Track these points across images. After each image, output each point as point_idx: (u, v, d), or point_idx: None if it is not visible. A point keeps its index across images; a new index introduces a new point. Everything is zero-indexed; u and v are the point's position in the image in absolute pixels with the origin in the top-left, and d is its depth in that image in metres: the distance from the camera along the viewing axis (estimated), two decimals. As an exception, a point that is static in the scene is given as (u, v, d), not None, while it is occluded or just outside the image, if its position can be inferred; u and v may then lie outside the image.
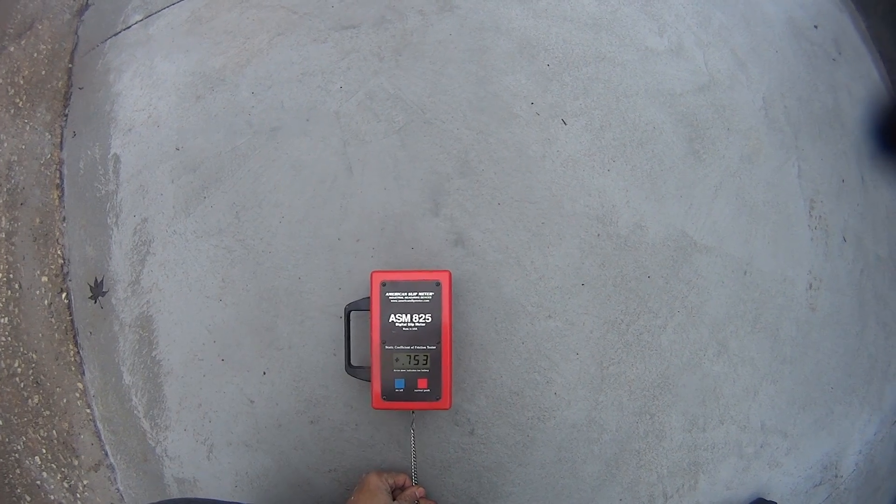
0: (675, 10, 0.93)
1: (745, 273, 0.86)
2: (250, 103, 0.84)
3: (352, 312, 0.67)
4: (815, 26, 1.19)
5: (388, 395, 0.64)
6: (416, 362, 0.64)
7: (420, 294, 0.64)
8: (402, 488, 0.66)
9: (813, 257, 0.98)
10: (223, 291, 0.76)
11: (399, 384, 0.64)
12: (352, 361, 0.68)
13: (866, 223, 1.12)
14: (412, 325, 0.64)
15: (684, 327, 0.80)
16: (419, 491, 0.66)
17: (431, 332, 0.64)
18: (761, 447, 0.95)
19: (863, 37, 1.34)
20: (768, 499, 0.96)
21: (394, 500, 0.63)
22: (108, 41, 0.95)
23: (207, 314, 0.76)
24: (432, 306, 0.64)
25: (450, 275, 0.64)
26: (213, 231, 0.79)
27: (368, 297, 0.66)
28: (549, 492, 0.77)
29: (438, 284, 0.63)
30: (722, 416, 0.88)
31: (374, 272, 0.64)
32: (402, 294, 0.64)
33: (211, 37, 0.89)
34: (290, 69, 0.84)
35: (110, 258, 0.84)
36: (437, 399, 0.64)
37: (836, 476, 1.14)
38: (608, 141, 0.76)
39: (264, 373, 0.73)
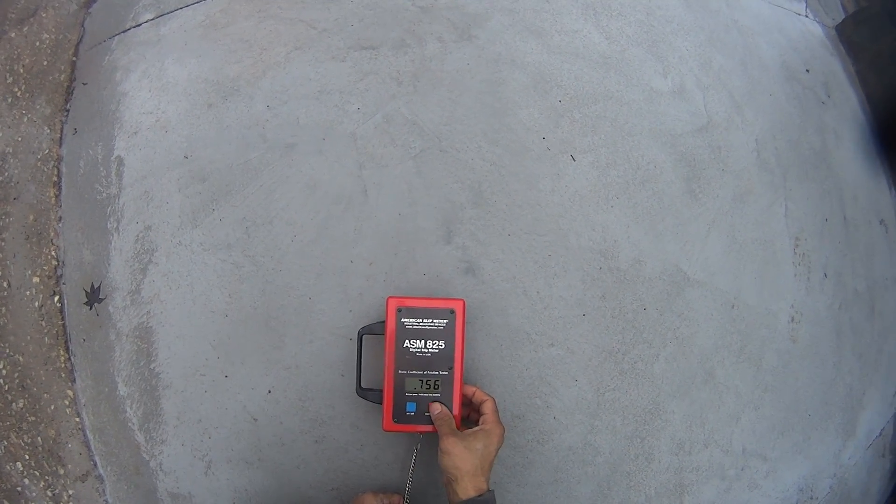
0: (678, 52, 0.97)
1: (733, 307, 0.91)
2: (265, 117, 0.84)
3: (364, 336, 0.68)
4: (807, 70, 1.26)
5: (399, 417, 0.65)
6: (428, 387, 0.65)
7: (434, 321, 0.65)
8: None
9: (795, 292, 1.04)
10: (229, 307, 0.76)
11: (410, 407, 0.65)
12: (362, 384, 0.69)
13: (846, 260, 1.19)
14: (426, 350, 0.65)
15: (675, 357, 0.84)
16: None
17: (444, 359, 0.65)
18: (742, 470, 1.00)
19: (851, 80, 1.42)
20: None
21: None
22: (117, 37, 0.93)
23: (212, 329, 0.76)
24: (446, 333, 0.65)
25: (464, 304, 0.65)
26: (222, 245, 0.79)
27: (382, 322, 0.67)
28: None
29: (453, 312, 0.65)
30: (707, 440, 0.92)
31: (390, 298, 0.66)
32: (418, 320, 0.65)
33: (226, 44, 0.89)
34: (307, 85, 0.84)
35: (109, 264, 0.83)
36: None
37: (812, 498, 1.20)
38: (613, 178, 0.79)
39: (269, 391, 0.73)
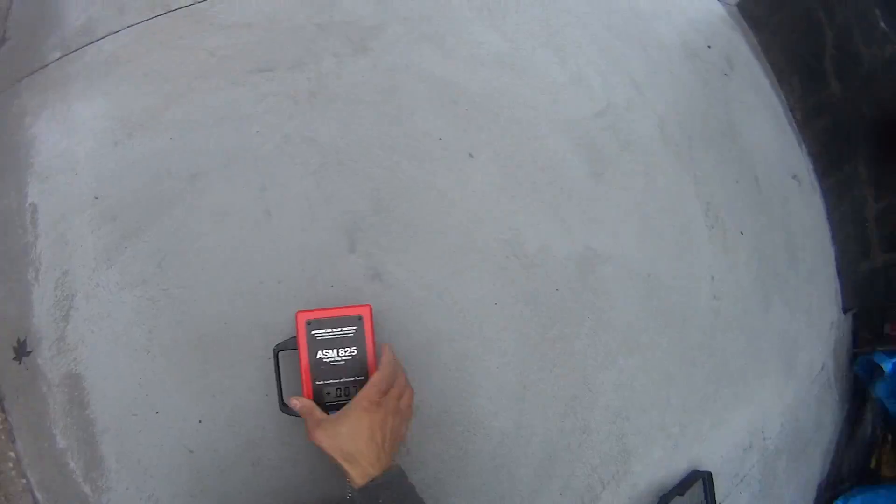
0: (576, 42, 1.01)
1: (649, 275, 0.95)
2: (170, 149, 0.84)
3: (280, 353, 0.70)
4: (709, 46, 1.31)
5: None
6: (346, 394, 0.67)
7: (344, 329, 0.67)
8: None
9: (713, 253, 1.09)
10: (151, 343, 0.76)
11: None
12: (284, 400, 0.69)
13: (762, 216, 1.25)
14: (339, 359, 0.67)
15: (596, 331, 0.87)
16: None
17: (357, 364, 0.67)
18: (686, 426, 1.04)
19: (754, 51, 1.49)
20: (702, 469, 1.05)
21: None
22: (24, 80, 0.92)
23: (137, 367, 0.76)
24: (356, 340, 0.67)
25: (370, 308, 0.67)
26: (137, 282, 0.79)
27: (295, 337, 0.68)
28: (492, 497, 0.82)
29: (360, 318, 0.67)
30: (643, 404, 0.96)
31: (298, 312, 0.67)
32: (327, 331, 0.67)
33: (130, 79, 0.89)
34: (209, 113, 0.85)
35: (32, 316, 0.82)
36: None
37: (764, 439, 1.26)
38: (513, 171, 0.82)
39: (200, 421, 0.74)
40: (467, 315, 0.76)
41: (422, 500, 0.59)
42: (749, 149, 1.26)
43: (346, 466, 0.59)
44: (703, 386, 1.06)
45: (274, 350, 0.69)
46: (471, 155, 0.80)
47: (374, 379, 0.63)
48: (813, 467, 1.48)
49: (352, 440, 0.59)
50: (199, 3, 0.96)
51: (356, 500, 0.58)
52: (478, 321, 0.76)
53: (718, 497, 1.15)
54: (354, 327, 0.67)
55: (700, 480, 1.01)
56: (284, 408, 0.69)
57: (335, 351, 0.67)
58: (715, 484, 1.09)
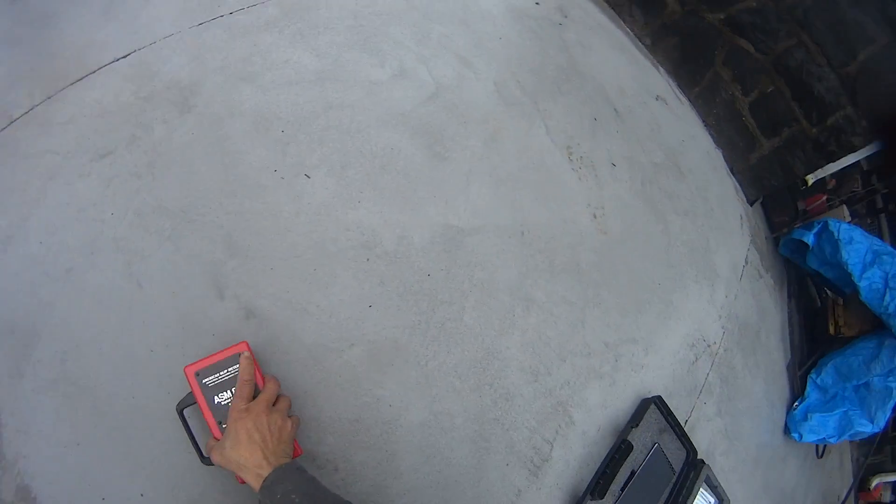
0: (393, 38, 1.06)
1: (523, 234, 1.02)
2: (41, 253, 0.89)
3: (184, 410, 0.74)
4: (537, 2, 1.37)
5: None
6: None
7: (229, 369, 0.72)
8: None
9: (587, 192, 1.16)
10: (77, 436, 0.81)
11: None
12: (203, 453, 0.74)
13: (632, 143, 1.31)
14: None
15: (482, 302, 0.93)
16: None
17: (254, 397, 0.71)
18: (616, 361, 1.11)
19: (586, -6, 1.54)
20: (650, 396, 1.11)
21: None
22: None
23: (73, 462, 0.81)
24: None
25: (246, 343, 0.73)
26: (49, 383, 0.83)
27: (191, 392, 0.73)
28: (436, 488, 0.86)
29: (241, 355, 0.72)
30: (560, 355, 1.02)
31: (185, 367, 0.72)
32: (216, 375, 0.72)
33: (-10, 197, 0.93)
34: (67, 210, 0.89)
35: (-36, 443, 0.87)
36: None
37: (708, 346, 1.33)
38: (352, 178, 0.88)
39: (142, 495, 0.79)
40: (344, 324, 0.82)
41: (325, 488, 0.64)
42: (601, 85, 1.32)
43: (241, 474, 0.64)
44: (620, 319, 1.12)
45: (177, 409, 0.74)
46: (307, 175, 0.86)
47: (237, 390, 0.70)
48: (773, 353, 1.56)
49: (234, 449, 0.65)
50: (37, 105, 1.00)
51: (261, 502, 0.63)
52: (357, 327, 0.82)
53: (682, 414, 1.22)
54: (237, 364, 0.72)
55: (652, 405, 1.07)
56: (206, 459, 0.73)
57: (228, 391, 0.72)
58: (672, 403, 1.15)
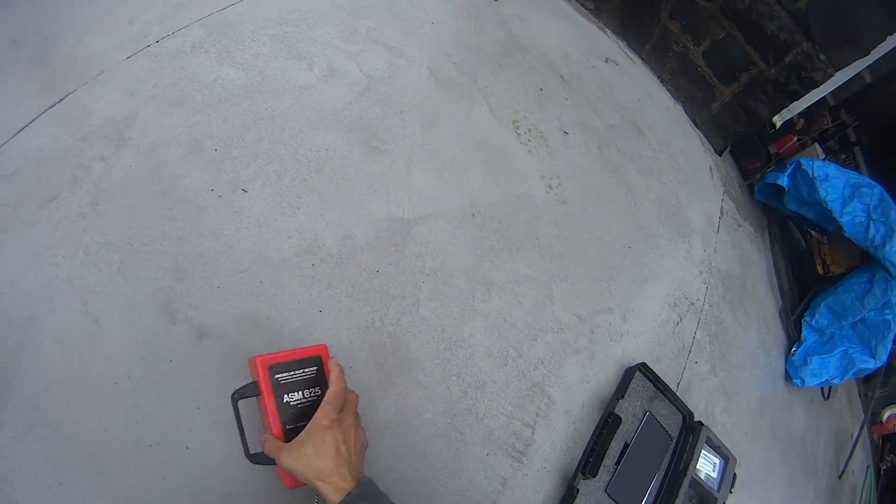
0: (320, 40, 1.06)
1: (474, 215, 1.01)
2: (4, 303, 0.91)
3: (240, 400, 0.68)
4: (467, -21, 1.35)
5: None
6: None
7: (305, 371, 0.68)
8: None
9: (539, 164, 1.14)
10: (59, 475, 0.83)
11: None
12: (251, 449, 0.68)
13: (583, 109, 1.29)
14: (305, 400, 0.67)
15: (438, 291, 0.93)
16: None
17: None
18: (592, 333, 1.09)
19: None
20: (634, 364, 1.09)
21: None
22: None
23: (58, 502, 0.83)
24: (318, 380, 0.69)
25: (325, 347, 0.71)
26: (26, 428, 0.85)
27: (254, 383, 0.67)
28: (414, 485, 0.85)
29: (319, 358, 0.70)
30: (530, 334, 1.01)
31: (255, 357, 0.66)
32: (290, 373, 0.67)
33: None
34: (22, 259, 0.91)
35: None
36: None
37: (692, 303, 1.30)
38: (288, 185, 0.88)
39: None
40: (296, 332, 0.82)
41: None
42: (544, 55, 1.29)
43: (319, 485, 0.61)
44: (591, 290, 1.10)
45: (233, 397, 0.68)
46: (244, 190, 0.86)
47: (329, 397, 0.66)
48: (762, 301, 1.52)
49: (319, 459, 0.61)
50: (-15, 159, 1.02)
51: None
52: (309, 334, 0.82)
53: (673, 377, 1.19)
54: (315, 367, 0.69)
55: (637, 373, 1.04)
56: (252, 456, 0.67)
57: (300, 393, 0.67)
58: (660, 368, 1.13)
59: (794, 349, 1.44)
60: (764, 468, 1.32)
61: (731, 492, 1.10)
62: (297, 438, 0.64)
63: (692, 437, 1.06)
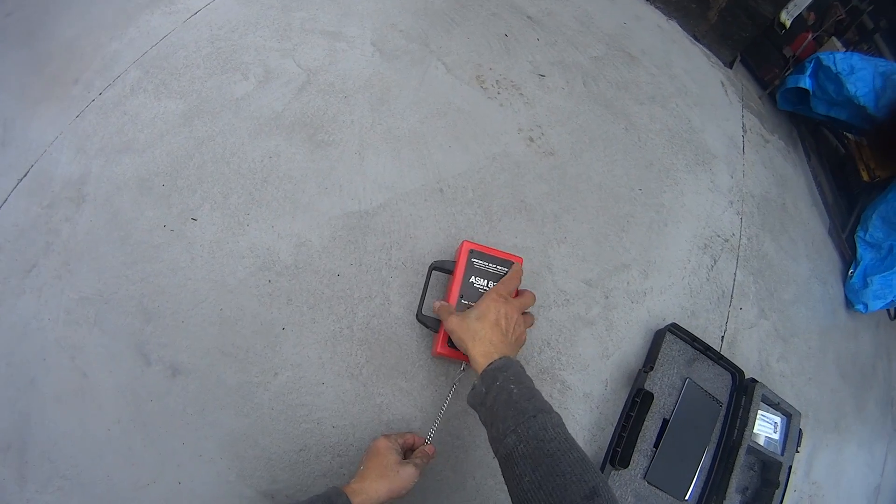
0: (253, 46, 1.00)
1: (442, 190, 0.89)
2: (9, 372, 0.92)
3: (434, 270, 0.81)
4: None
5: (453, 343, 0.73)
6: None
7: (499, 267, 0.77)
8: (412, 448, 0.71)
9: (513, 115, 0.99)
10: None
11: None
12: (423, 310, 0.79)
13: (558, 47, 1.12)
14: (487, 289, 0.76)
15: (409, 284, 0.83)
16: (430, 449, 0.71)
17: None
18: (607, 298, 0.94)
19: None
20: (663, 325, 0.93)
21: (405, 458, 0.68)
22: None
23: None
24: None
25: (522, 260, 0.79)
26: (45, 482, 0.87)
27: (453, 261, 0.79)
28: (417, 497, 0.76)
29: (513, 264, 0.78)
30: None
31: (465, 241, 0.78)
32: (485, 263, 0.77)
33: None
34: (16, 329, 0.92)
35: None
36: None
37: (726, 240, 1.10)
38: (235, 203, 0.82)
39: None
40: (262, 355, 0.76)
41: (538, 391, 0.64)
42: (504, 1, 1.13)
43: (470, 345, 0.67)
44: (597, 247, 0.94)
45: (430, 265, 0.80)
46: (194, 219, 0.82)
47: (505, 279, 0.75)
48: (807, 223, 1.27)
49: (479, 321, 0.68)
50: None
51: (476, 383, 0.65)
52: (275, 354, 0.77)
53: (715, 332, 1.01)
54: (507, 269, 0.77)
55: (667, 336, 0.89)
56: (422, 316, 0.79)
57: (486, 281, 0.76)
58: (697, 324, 0.96)
59: (851, 271, 1.20)
60: (834, 413, 1.11)
61: (797, 451, 0.91)
62: (465, 311, 0.71)
63: (745, 399, 0.88)
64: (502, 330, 0.67)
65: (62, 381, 0.86)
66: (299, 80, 0.94)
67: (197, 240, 0.82)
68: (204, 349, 0.77)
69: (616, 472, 0.76)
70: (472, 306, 0.72)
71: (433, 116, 0.94)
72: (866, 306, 1.17)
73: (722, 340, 0.97)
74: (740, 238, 1.06)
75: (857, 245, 1.21)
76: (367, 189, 0.85)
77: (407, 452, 0.71)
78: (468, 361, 0.69)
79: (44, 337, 0.89)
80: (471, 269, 0.77)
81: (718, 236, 1.03)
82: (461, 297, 0.76)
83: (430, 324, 0.77)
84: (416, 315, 0.78)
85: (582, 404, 0.84)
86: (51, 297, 0.89)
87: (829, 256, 1.24)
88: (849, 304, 1.21)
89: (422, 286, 0.80)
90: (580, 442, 0.83)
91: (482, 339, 0.66)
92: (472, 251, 0.77)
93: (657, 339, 0.87)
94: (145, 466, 0.79)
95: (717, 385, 0.88)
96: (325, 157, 0.87)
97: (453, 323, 0.69)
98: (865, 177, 1.26)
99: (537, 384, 0.84)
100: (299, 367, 0.75)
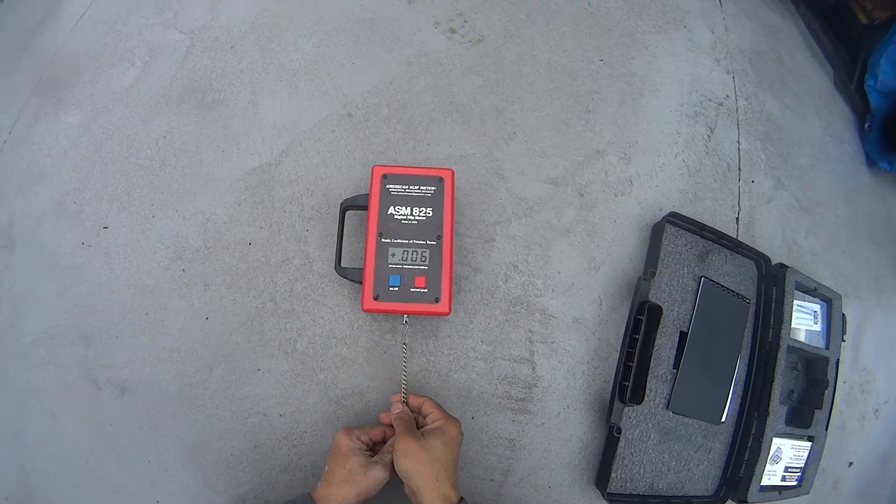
0: (135, 27, 0.90)
1: (351, 115, 0.75)
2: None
3: (347, 211, 0.65)
4: None
5: (382, 292, 0.59)
6: (413, 258, 0.59)
7: (422, 188, 0.62)
8: (384, 440, 0.61)
9: (428, 10, 0.82)
10: None
11: (394, 281, 0.59)
12: (342, 263, 0.64)
13: None
14: (412, 218, 0.61)
15: (330, 233, 0.70)
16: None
17: (431, 227, 0.60)
18: (582, 196, 0.76)
19: None
20: (661, 217, 0.72)
21: (373, 455, 0.58)
22: None
23: None
24: (434, 200, 0.62)
25: (453, 173, 0.63)
26: None
27: (365, 195, 0.63)
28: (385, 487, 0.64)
29: (441, 180, 0.62)
30: (483, 236, 0.71)
31: (375, 166, 0.63)
32: (404, 187, 0.62)
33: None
34: (12, 386, 0.93)
35: None
36: (436, 301, 0.58)
37: (720, 103, 0.92)
38: (139, 198, 0.74)
39: None
40: (193, 351, 0.68)
41: None
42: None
43: (430, 486, 0.52)
44: (557, 137, 0.77)
45: (341, 205, 0.65)
46: (105, 227, 0.75)
47: (434, 402, 0.59)
48: (810, 75, 1.10)
49: (440, 458, 0.54)
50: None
51: None
52: (205, 347, 0.68)
53: (727, 213, 0.84)
54: (433, 188, 0.62)
55: (666, 229, 0.69)
56: (340, 269, 0.63)
57: (409, 209, 0.61)
58: (702, 208, 0.78)
59: (867, 125, 1.01)
60: (874, 286, 0.91)
61: (843, 340, 0.72)
62: (426, 429, 0.56)
63: (776, 290, 0.68)
64: (453, 458, 0.54)
65: (39, 427, 0.83)
66: (183, 47, 0.83)
67: (111, 248, 0.74)
68: (140, 360, 0.70)
69: (628, 408, 0.59)
70: (431, 426, 0.55)
71: (330, 35, 0.79)
72: (891, 164, 1.00)
73: (737, 223, 0.75)
74: (736, 99, 0.82)
75: (868, 95, 1.02)
76: (266, 138, 0.73)
77: (377, 445, 0.59)
78: (408, 315, 0.57)
79: (15, 387, 0.86)
80: (387, 198, 0.61)
81: (710, 100, 0.80)
82: (380, 234, 0.60)
83: (352, 275, 0.62)
84: (335, 267, 0.63)
85: (573, 333, 0.67)
86: (11, 348, 0.86)
87: (839, 111, 1.02)
88: (870, 162, 1.04)
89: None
90: (579, 380, 0.67)
91: (440, 476, 0.52)
92: (384, 176, 0.62)
93: (655, 234, 0.68)
94: (126, 492, 0.74)
95: (740, 278, 0.68)
96: (217, 119, 0.75)
97: (408, 446, 0.53)
98: (863, 19, 1.06)
99: (509, 319, 0.69)
100: (230, 356, 0.66)
